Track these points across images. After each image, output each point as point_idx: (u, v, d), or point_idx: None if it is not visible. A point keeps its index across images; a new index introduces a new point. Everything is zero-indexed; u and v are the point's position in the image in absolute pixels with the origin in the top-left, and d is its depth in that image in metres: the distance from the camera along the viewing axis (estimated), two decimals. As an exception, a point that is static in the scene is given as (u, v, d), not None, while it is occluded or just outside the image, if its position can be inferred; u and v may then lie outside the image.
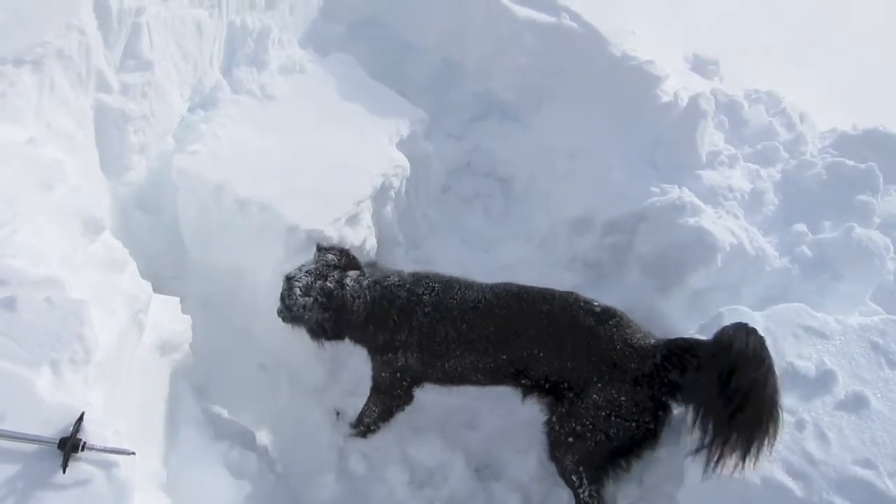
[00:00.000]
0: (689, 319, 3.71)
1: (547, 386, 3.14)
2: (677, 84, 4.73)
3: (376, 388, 3.49)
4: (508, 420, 3.54)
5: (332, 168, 3.91)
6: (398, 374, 3.37)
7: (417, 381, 3.43)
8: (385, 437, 3.55)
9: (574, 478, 3.09)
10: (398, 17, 5.20)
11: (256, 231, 3.61)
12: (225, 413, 3.38)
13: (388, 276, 3.35)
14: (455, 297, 3.23)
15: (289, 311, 3.27)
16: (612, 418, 2.96)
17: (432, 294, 3.25)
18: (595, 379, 2.99)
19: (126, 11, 3.64)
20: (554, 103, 4.87)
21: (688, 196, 4.06)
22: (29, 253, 2.51)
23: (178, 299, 3.26)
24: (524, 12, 4.95)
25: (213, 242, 3.75)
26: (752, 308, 3.39)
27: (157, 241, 3.87)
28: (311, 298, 3.20)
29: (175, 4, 4.00)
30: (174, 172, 3.76)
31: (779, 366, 3.06)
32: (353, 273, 3.33)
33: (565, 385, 3.07)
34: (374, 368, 3.46)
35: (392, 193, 4.26)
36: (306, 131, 4.15)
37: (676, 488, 2.91)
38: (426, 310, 3.23)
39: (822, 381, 3.05)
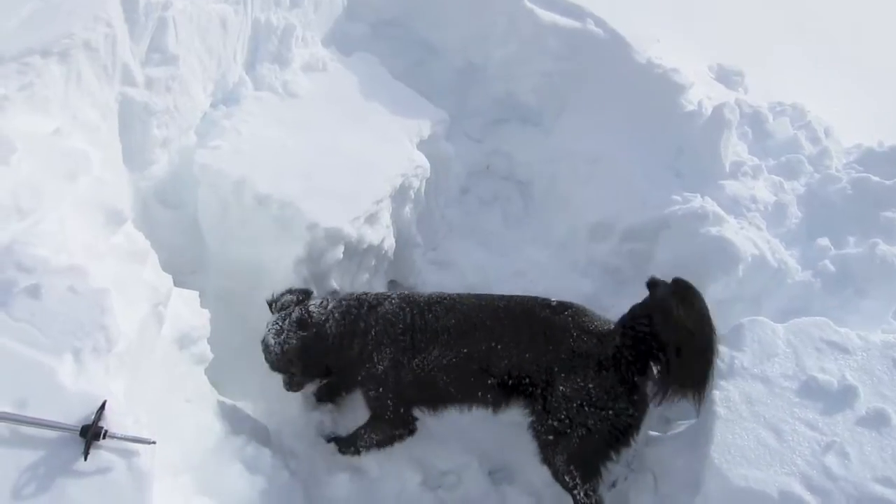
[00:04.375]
0: (708, 329, 3.67)
1: (510, 383, 3.13)
2: (701, 93, 4.70)
3: (374, 416, 3.47)
4: (523, 423, 3.50)
5: (352, 167, 3.91)
6: (381, 390, 3.33)
7: (404, 399, 3.36)
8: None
9: (567, 478, 3.08)
10: (421, 18, 5.20)
11: (276, 227, 3.61)
12: (241, 408, 3.37)
13: (350, 295, 3.43)
14: (421, 295, 3.37)
15: (274, 361, 3.30)
16: (586, 408, 2.96)
17: (398, 293, 3.42)
18: (557, 369, 3.01)
19: (153, 5, 3.66)
20: (576, 108, 4.85)
21: (710, 205, 4.03)
22: (53, 242, 2.54)
23: (197, 293, 3.27)
24: (548, 16, 4.93)
25: (233, 238, 3.75)
26: (772, 321, 3.35)
27: (176, 236, 3.87)
28: (285, 334, 3.23)
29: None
30: (196, 167, 3.76)
31: (800, 379, 3.07)
32: (314, 301, 3.36)
33: (527, 380, 3.09)
34: (363, 395, 3.45)
35: (411, 194, 4.26)
36: (328, 129, 4.15)
37: (692, 498, 2.87)
38: (393, 301, 3.31)
39: (844, 397, 3.02)
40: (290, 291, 3.42)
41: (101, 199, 2.88)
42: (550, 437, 3.05)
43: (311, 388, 3.68)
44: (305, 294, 3.42)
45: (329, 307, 3.31)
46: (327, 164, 3.89)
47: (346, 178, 3.82)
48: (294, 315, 3.26)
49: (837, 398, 3.01)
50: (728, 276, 3.79)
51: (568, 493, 3.13)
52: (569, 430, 3.00)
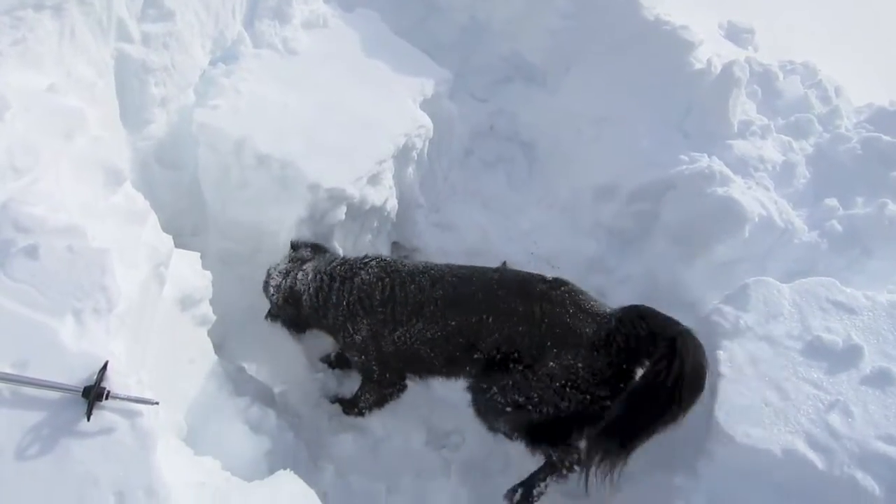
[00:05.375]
0: (713, 290, 3.65)
1: (499, 357, 2.97)
2: (711, 51, 4.61)
3: (363, 377, 3.48)
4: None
5: (354, 126, 3.85)
6: (364, 357, 3.30)
7: (387, 364, 3.31)
8: (403, 401, 3.55)
9: (515, 439, 3.08)
10: (425, -27, 5.08)
11: (277, 188, 3.57)
12: (244, 369, 3.38)
13: (334, 260, 3.37)
14: (405, 265, 3.24)
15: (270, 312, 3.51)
16: (567, 389, 2.83)
17: (379, 260, 3.28)
18: (549, 344, 2.85)
19: (147, -43, 3.55)
20: (582, 67, 4.77)
21: (717, 165, 3.98)
22: (50, 201, 2.48)
23: (198, 254, 3.24)
24: (555, -28, 4.81)
25: (234, 199, 3.71)
26: (777, 281, 3.33)
27: (176, 197, 3.82)
28: (281, 297, 3.38)
29: (198, -48, 3.90)
30: (195, 127, 3.70)
31: (805, 339, 3.06)
32: (306, 266, 3.37)
33: (516, 355, 2.93)
34: (349, 358, 3.46)
35: (414, 154, 4.21)
36: (329, 88, 4.08)
37: (696, 456, 2.89)
38: (371, 270, 3.21)
39: (849, 356, 3.01)
40: (313, 246, 3.50)
41: (98, 158, 2.81)
42: (508, 409, 2.95)
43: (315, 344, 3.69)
44: (318, 250, 3.50)
45: (308, 279, 3.31)
46: (329, 122, 3.82)
47: (347, 138, 3.77)
48: (288, 281, 3.35)
49: (842, 357, 3.00)
50: (734, 236, 3.76)
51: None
52: (531, 407, 2.90)
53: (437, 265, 3.22)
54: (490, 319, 2.96)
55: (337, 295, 3.23)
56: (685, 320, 3.53)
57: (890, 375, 2.93)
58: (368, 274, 3.20)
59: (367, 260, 3.30)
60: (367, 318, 3.17)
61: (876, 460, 2.69)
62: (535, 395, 2.88)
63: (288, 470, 2.56)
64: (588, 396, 2.83)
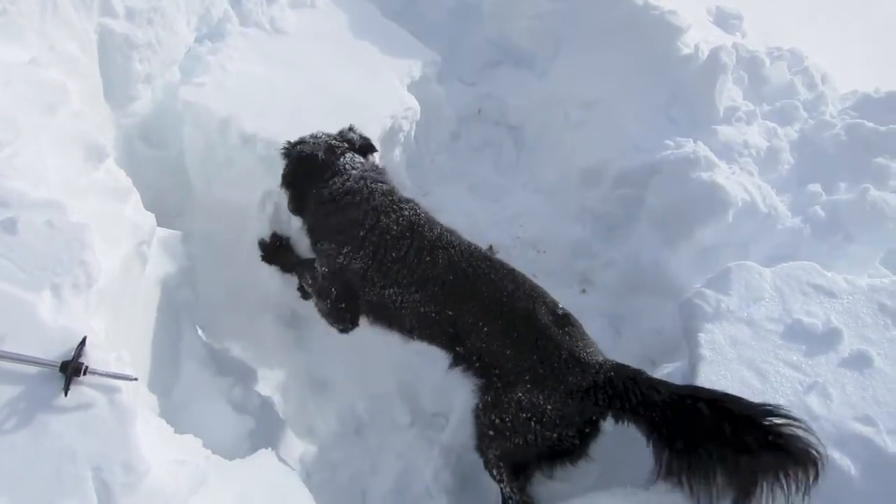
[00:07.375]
0: (696, 273, 3.67)
1: (478, 364, 2.88)
2: (698, 36, 4.61)
3: (311, 287, 3.29)
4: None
5: (340, 106, 3.82)
6: (333, 275, 3.09)
7: (349, 297, 3.11)
8: (387, 384, 3.57)
9: (495, 472, 2.94)
10: (413, -46, 5.05)
11: (262, 167, 3.55)
12: (227, 350, 3.37)
13: (381, 183, 3.13)
14: (433, 230, 2.99)
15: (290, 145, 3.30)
16: (532, 424, 2.75)
17: (413, 214, 3.03)
18: (527, 377, 2.74)
19: (131, -69, 3.51)
20: (571, 51, 4.76)
21: (702, 150, 3.98)
22: (30, 175, 2.47)
23: (181, 234, 3.23)
24: (544, -45, 4.79)
25: (219, 178, 3.69)
26: (759, 265, 3.35)
27: (160, 176, 3.80)
28: (311, 143, 3.21)
29: (184, -75, 3.86)
30: (180, 104, 3.67)
31: (785, 322, 3.08)
32: (356, 156, 3.21)
33: (496, 371, 2.82)
34: (317, 260, 3.21)
35: (401, 137, 4.18)
36: (315, 68, 4.05)
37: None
38: (401, 221, 2.99)
39: (828, 339, 3.02)
40: (362, 140, 3.37)
41: (80, 133, 2.79)
42: (490, 433, 2.86)
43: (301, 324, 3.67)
44: (367, 148, 3.37)
45: (352, 174, 3.11)
46: (315, 103, 3.80)
47: (334, 118, 3.71)
48: (331, 142, 3.20)
49: (822, 340, 3.01)
50: (718, 221, 3.77)
51: (496, 484, 3.00)
52: (508, 433, 2.81)
53: (460, 243, 2.97)
54: (485, 329, 2.82)
55: (361, 223, 2.99)
56: (668, 304, 3.62)
57: (868, 358, 2.95)
58: (397, 224, 2.98)
59: (402, 206, 3.06)
60: (367, 261, 2.98)
61: (853, 440, 2.71)
62: (508, 419, 2.78)
63: (269, 449, 2.57)
64: (555, 435, 2.77)
